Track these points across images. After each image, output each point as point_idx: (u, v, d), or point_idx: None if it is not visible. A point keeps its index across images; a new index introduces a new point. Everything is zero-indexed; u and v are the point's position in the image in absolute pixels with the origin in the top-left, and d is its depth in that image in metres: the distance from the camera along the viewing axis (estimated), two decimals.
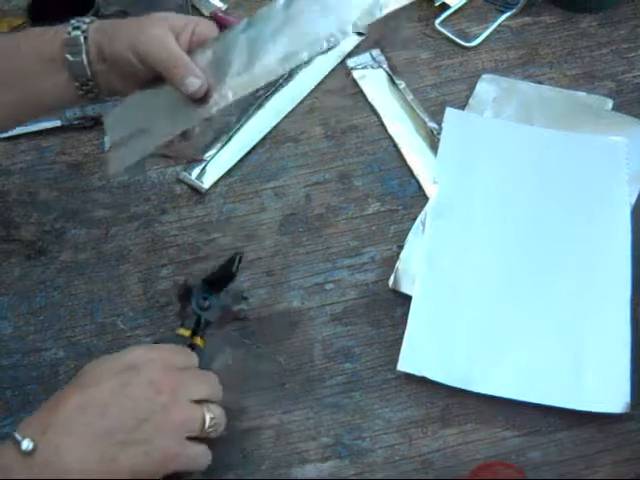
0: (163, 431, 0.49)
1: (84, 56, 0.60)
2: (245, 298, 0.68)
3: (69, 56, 0.60)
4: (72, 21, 0.61)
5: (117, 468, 0.47)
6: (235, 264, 0.59)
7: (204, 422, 0.51)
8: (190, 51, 0.59)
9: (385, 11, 0.56)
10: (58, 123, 0.81)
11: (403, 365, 0.62)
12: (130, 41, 0.58)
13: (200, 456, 0.51)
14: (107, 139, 0.68)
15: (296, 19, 0.59)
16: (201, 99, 0.59)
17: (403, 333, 0.64)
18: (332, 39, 0.56)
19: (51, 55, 0.60)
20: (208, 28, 0.61)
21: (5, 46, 0.62)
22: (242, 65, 0.59)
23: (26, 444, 0.45)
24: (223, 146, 0.79)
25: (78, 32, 0.60)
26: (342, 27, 0.56)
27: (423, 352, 0.63)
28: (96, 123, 0.81)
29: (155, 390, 0.49)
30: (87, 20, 0.61)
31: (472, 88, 0.81)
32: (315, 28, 0.57)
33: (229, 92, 0.58)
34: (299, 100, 0.83)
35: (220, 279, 0.60)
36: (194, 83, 0.57)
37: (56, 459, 0.46)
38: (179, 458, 0.49)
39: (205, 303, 0.58)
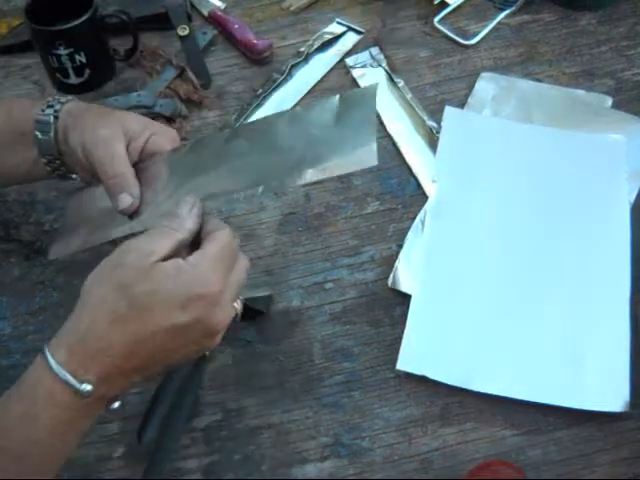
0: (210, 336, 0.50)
1: (52, 135, 0.61)
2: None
3: (38, 134, 0.61)
4: (49, 98, 0.62)
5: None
6: (268, 304, 0.67)
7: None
8: (140, 161, 0.60)
9: (322, 175, 0.53)
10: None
11: (402, 364, 0.62)
12: (81, 137, 0.60)
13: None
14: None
15: (235, 158, 0.57)
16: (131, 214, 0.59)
17: (402, 332, 0.64)
18: (267, 187, 0.54)
19: (22, 130, 0.62)
20: (164, 140, 0.61)
21: None
22: (172, 191, 0.58)
23: (84, 386, 0.46)
24: None
25: (50, 111, 0.61)
26: (281, 178, 0.54)
27: (422, 351, 0.63)
28: None
29: (207, 334, 0.50)
30: (63, 100, 0.62)
31: (471, 86, 0.81)
32: (252, 171, 0.56)
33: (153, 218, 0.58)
34: (298, 99, 0.83)
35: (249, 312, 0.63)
36: (125, 201, 0.58)
37: (109, 392, 0.48)
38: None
39: None
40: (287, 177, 0.54)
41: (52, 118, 0.61)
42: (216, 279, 0.49)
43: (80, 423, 0.48)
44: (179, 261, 0.48)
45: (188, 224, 0.51)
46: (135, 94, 0.83)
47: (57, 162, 0.63)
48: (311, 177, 0.53)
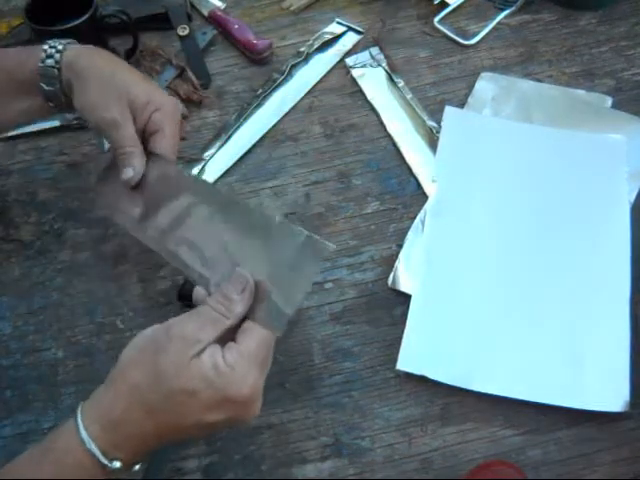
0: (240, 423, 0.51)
1: (58, 86, 0.62)
2: None
3: (44, 85, 0.62)
4: (45, 47, 0.62)
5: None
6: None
7: None
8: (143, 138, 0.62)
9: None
10: (57, 123, 0.81)
11: (402, 364, 0.62)
12: (86, 105, 0.61)
13: None
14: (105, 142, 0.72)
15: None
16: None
17: (402, 332, 0.64)
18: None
19: (26, 81, 0.63)
20: (166, 119, 0.62)
21: None
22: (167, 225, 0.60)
23: (115, 464, 0.47)
24: (222, 146, 0.79)
25: (51, 62, 0.61)
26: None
27: (422, 351, 0.63)
28: None
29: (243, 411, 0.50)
30: (60, 47, 0.62)
31: (471, 86, 0.81)
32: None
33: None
34: (298, 99, 0.83)
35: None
36: (128, 174, 0.61)
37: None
38: None
39: None
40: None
41: (56, 71, 0.61)
42: (252, 381, 0.49)
43: None
44: (217, 357, 0.48)
45: (239, 309, 0.50)
46: None
47: (65, 105, 0.64)
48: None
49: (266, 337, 0.50)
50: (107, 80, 0.61)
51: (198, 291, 0.54)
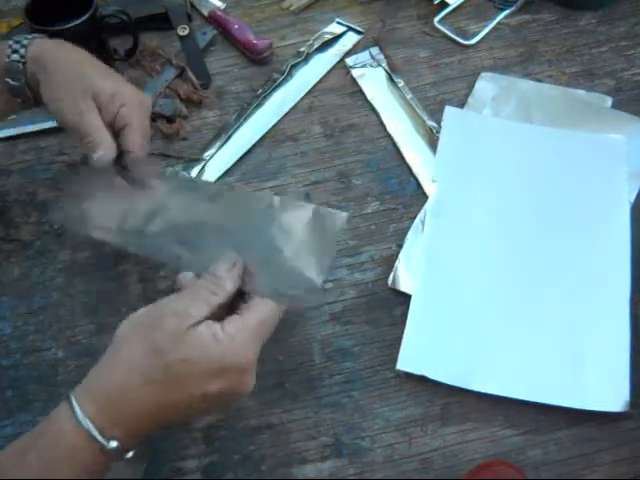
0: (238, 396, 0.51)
1: (23, 81, 0.62)
2: None
3: (9, 80, 0.62)
4: (10, 42, 0.62)
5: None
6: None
7: None
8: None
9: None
10: (56, 123, 0.81)
11: (402, 364, 0.62)
12: (52, 98, 0.61)
13: None
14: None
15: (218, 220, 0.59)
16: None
17: (402, 332, 0.64)
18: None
19: None
20: (134, 114, 0.62)
21: None
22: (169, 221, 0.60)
23: (112, 444, 0.46)
24: (222, 145, 0.79)
25: (17, 57, 0.61)
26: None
27: (422, 351, 0.63)
28: None
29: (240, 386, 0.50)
30: (25, 42, 0.62)
31: (471, 86, 0.81)
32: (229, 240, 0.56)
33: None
34: (298, 99, 0.83)
35: None
36: (99, 156, 0.61)
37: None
38: None
39: None
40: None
41: (21, 65, 0.61)
42: (251, 351, 0.49)
43: (96, 474, 0.48)
44: (216, 328, 0.48)
45: (228, 286, 0.51)
46: None
47: (33, 101, 0.64)
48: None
49: (273, 316, 0.51)
50: (72, 74, 0.61)
51: (184, 275, 0.54)
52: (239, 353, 0.48)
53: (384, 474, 0.59)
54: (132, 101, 0.63)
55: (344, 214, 0.56)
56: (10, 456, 0.47)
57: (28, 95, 0.63)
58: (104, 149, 0.61)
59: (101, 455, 0.46)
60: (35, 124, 0.80)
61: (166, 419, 0.48)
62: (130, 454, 0.49)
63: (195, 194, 0.61)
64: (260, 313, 0.50)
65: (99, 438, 0.45)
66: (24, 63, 0.61)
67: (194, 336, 0.48)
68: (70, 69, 0.61)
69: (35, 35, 0.63)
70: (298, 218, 0.57)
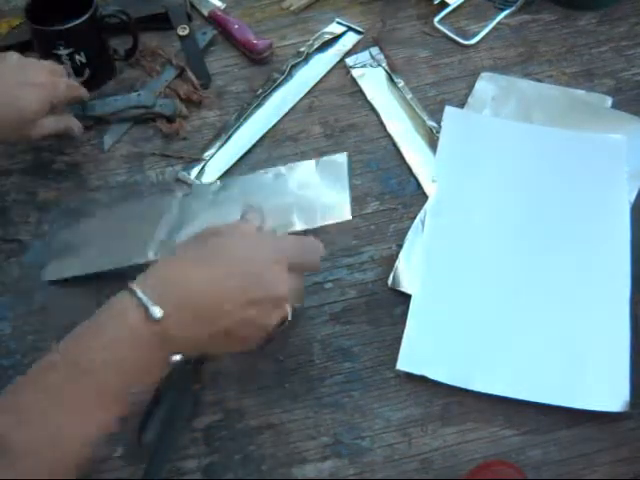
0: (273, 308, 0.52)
1: None
2: None
3: None
4: None
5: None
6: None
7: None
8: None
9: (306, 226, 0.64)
10: None
11: (402, 364, 0.62)
12: None
13: None
14: (106, 140, 0.77)
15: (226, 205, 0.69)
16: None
17: (402, 332, 0.64)
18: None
19: None
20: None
21: None
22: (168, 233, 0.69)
23: (156, 312, 0.47)
24: (222, 145, 0.79)
25: None
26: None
27: (422, 351, 0.63)
28: (96, 123, 0.81)
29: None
30: None
31: (471, 86, 0.81)
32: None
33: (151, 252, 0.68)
34: (298, 99, 0.83)
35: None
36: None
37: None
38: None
39: None
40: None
41: None
42: (291, 250, 0.55)
43: (137, 357, 0.48)
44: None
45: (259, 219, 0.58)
46: (135, 94, 0.83)
47: None
48: (296, 227, 0.64)
49: (317, 248, 0.57)
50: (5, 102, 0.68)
51: None
52: (281, 248, 0.54)
53: (384, 474, 0.58)
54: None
55: (343, 154, 0.67)
56: (73, 340, 0.49)
57: None
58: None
59: (147, 329, 0.48)
60: None
61: (206, 312, 0.50)
62: (178, 357, 0.50)
63: (207, 198, 0.70)
64: (306, 241, 0.57)
65: (144, 299, 0.48)
66: None
67: (261, 238, 0.55)
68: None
69: None
70: (307, 173, 0.68)
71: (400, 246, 0.70)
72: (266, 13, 0.92)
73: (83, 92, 0.77)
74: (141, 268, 0.51)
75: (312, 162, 0.69)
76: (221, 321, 0.50)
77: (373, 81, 0.84)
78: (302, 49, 0.86)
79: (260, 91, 0.83)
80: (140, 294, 0.48)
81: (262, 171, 0.71)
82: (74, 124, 0.76)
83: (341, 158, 0.68)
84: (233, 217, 0.59)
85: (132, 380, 0.48)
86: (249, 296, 0.51)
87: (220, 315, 0.50)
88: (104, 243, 0.71)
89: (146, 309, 0.47)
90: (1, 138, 0.73)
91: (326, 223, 0.64)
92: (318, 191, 0.66)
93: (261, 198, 0.67)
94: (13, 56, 0.72)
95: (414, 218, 0.71)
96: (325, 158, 0.69)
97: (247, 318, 0.51)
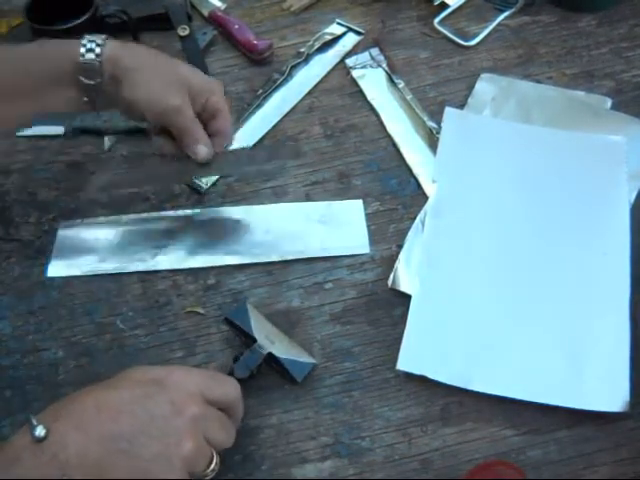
0: (169, 457, 0.47)
1: (99, 80, 0.63)
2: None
3: (83, 79, 0.62)
4: (84, 41, 0.63)
5: (113, 475, 0.47)
6: (305, 374, 0.62)
7: (209, 465, 0.50)
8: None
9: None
10: (61, 131, 0.81)
11: (402, 364, 0.62)
12: (148, 98, 0.63)
13: None
14: (106, 140, 0.76)
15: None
16: None
17: (402, 332, 0.64)
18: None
19: (64, 74, 0.63)
20: (222, 99, 0.67)
21: (20, 59, 0.64)
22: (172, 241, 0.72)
23: (39, 430, 0.46)
24: None
25: (92, 55, 0.62)
26: None
27: (423, 351, 0.63)
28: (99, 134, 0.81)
29: (174, 412, 0.49)
30: (99, 41, 0.63)
31: (471, 87, 0.81)
32: None
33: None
34: (298, 99, 0.83)
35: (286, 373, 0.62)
36: (202, 151, 0.66)
37: (60, 450, 0.46)
38: None
39: None
40: None
41: (97, 64, 0.62)
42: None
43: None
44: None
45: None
46: None
47: (101, 100, 0.65)
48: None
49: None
50: (166, 72, 0.64)
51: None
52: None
53: (384, 474, 0.58)
54: (218, 90, 0.67)
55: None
56: None
57: (98, 94, 0.64)
58: (205, 144, 0.66)
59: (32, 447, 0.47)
60: (37, 128, 0.80)
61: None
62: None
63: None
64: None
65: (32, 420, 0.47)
66: (100, 62, 0.62)
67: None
68: (162, 69, 0.64)
69: (105, 35, 0.64)
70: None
71: (400, 246, 0.70)
72: (266, 13, 0.92)
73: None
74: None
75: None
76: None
77: (373, 82, 0.84)
78: (302, 50, 0.86)
79: (260, 91, 0.83)
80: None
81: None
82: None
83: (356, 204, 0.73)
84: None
85: None
86: None
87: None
88: (107, 246, 0.72)
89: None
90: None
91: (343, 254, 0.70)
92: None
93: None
94: None
95: (414, 218, 0.71)
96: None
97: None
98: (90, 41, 0.62)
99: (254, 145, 0.78)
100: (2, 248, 0.73)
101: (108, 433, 0.47)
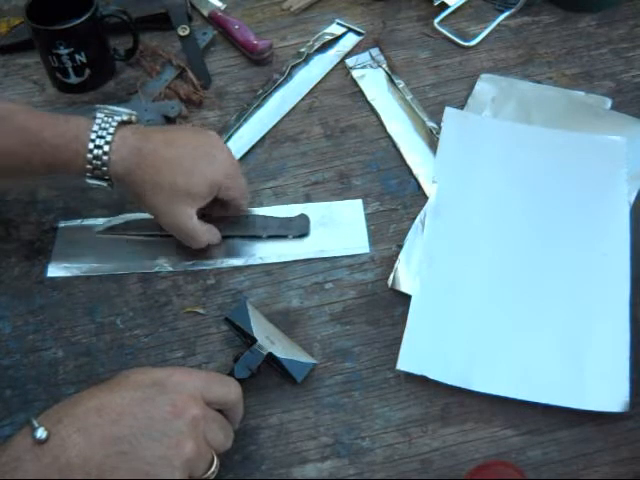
0: (170, 458, 0.48)
1: (105, 183, 0.65)
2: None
3: (91, 181, 0.65)
4: (94, 127, 0.63)
5: (114, 477, 0.47)
6: (305, 374, 0.62)
7: (210, 467, 0.50)
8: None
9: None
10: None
11: (402, 364, 0.62)
12: (155, 207, 0.65)
13: None
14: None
15: None
16: None
17: (402, 332, 0.64)
18: None
19: (72, 163, 0.64)
20: (239, 191, 0.69)
21: (30, 142, 0.63)
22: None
23: (40, 432, 0.46)
24: None
25: (99, 152, 0.62)
26: None
27: (423, 351, 0.63)
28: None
29: (175, 414, 0.49)
30: (111, 130, 0.63)
31: (471, 88, 0.82)
32: None
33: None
34: (298, 99, 0.83)
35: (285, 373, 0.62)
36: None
37: (61, 452, 0.46)
38: None
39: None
40: None
41: (105, 169, 0.63)
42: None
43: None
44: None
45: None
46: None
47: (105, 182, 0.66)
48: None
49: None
50: (169, 190, 0.64)
51: None
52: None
53: (384, 474, 0.58)
54: (238, 185, 0.69)
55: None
56: None
57: (107, 176, 0.65)
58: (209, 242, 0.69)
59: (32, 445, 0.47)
60: None
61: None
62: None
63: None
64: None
65: (32, 422, 0.47)
66: (108, 160, 0.63)
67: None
68: (164, 181, 0.64)
69: (120, 119, 0.64)
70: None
71: (400, 247, 0.70)
72: (266, 14, 0.93)
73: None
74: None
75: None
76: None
77: (373, 82, 0.84)
78: (302, 50, 0.87)
79: (260, 91, 0.83)
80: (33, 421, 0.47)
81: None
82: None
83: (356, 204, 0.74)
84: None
85: None
86: None
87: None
88: (107, 246, 0.72)
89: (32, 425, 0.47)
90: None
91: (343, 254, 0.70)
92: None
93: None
94: None
95: (414, 219, 0.71)
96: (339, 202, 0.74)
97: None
98: (101, 128, 0.62)
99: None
100: (2, 248, 0.73)
101: (109, 435, 0.47)
